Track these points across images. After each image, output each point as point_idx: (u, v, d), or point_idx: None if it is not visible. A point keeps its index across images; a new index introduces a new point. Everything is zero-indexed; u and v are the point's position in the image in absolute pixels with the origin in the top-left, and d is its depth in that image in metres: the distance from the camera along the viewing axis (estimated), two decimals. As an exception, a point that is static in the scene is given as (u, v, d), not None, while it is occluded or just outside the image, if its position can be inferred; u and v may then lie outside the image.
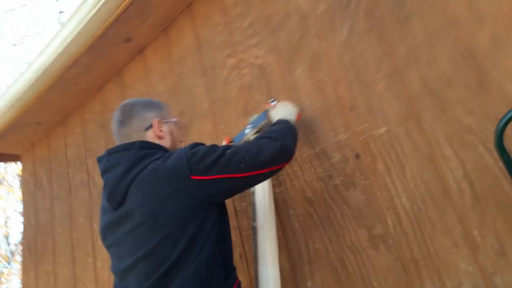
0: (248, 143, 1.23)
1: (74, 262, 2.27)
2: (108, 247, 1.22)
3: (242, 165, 1.13)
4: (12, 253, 11.15)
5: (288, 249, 1.48)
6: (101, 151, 2.33)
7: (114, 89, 2.35)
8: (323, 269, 1.38)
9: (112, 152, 1.22)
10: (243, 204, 1.65)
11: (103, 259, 2.11)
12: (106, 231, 1.21)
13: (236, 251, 1.62)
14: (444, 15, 1.23)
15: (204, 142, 1.85)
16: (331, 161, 1.43)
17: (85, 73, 2.28)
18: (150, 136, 1.27)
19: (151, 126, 1.28)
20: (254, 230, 1.42)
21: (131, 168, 1.14)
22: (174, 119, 1.38)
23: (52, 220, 2.52)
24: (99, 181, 2.29)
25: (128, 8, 1.94)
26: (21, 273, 2.66)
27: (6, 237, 12.37)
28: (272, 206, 1.45)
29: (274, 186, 1.57)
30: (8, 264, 11.59)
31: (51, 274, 2.39)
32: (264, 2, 1.73)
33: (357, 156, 1.36)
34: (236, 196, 1.66)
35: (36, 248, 2.56)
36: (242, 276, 1.57)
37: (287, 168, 1.54)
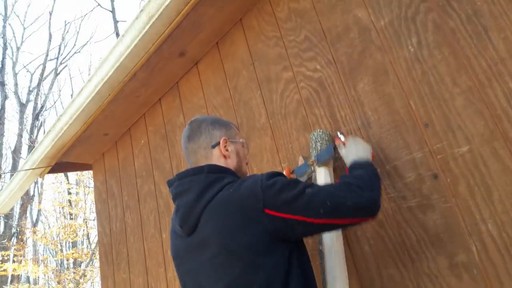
0: (332, 186, 1.10)
1: (147, 271, 2.32)
2: (183, 274, 1.18)
3: (321, 211, 1.01)
4: (93, 252, 12.00)
5: (359, 274, 1.38)
6: (166, 162, 2.35)
7: (172, 102, 2.34)
8: (400, 294, 1.28)
9: (182, 177, 1.18)
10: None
11: (173, 270, 2.13)
12: (181, 257, 1.17)
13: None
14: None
15: (264, 156, 1.80)
16: (404, 181, 1.30)
17: (143, 87, 2.28)
18: (216, 154, 1.22)
19: (218, 144, 1.23)
20: (321, 255, 1.33)
21: (202, 194, 1.09)
22: (240, 140, 1.31)
23: (125, 229, 2.59)
24: (165, 191, 2.31)
25: (181, 24, 1.89)
26: (101, 279, 2.78)
27: (87, 236, 13.29)
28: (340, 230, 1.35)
29: (340, 204, 1.47)
30: (91, 261, 12.48)
31: (127, 282, 2.46)
32: (319, 16, 1.60)
33: (435, 176, 1.22)
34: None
35: (112, 256, 2.66)
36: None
37: (354, 186, 1.43)
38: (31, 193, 15.35)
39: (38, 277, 13.69)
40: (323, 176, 1.40)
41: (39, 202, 15.43)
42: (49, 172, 3.13)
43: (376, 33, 1.41)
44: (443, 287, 1.17)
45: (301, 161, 1.55)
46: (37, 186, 15.98)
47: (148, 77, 2.19)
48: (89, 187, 13.42)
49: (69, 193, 14.14)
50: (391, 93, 1.35)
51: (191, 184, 1.14)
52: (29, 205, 14.72)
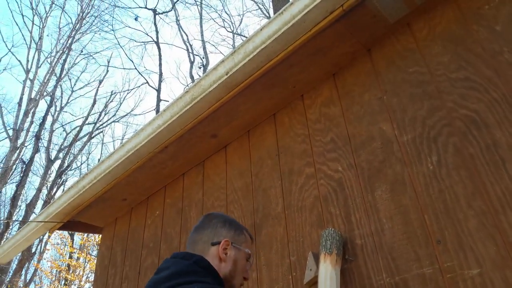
0: None
1: None
2: None
3: None
4: None
5: None
6: (176, 237, 2.34)
7: (195, 178, 2.42)
8: None
9: (173, 257, 1.12)
10: (309, 322, 1.50)
11: None
12: None
13: None
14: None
15: (274, 245, 1.79)
16: (411, 295, 1.26)
17: (171, 159, 2.38)
18: (212, 253, 1.13)
19: (218, 243, 1.14)
20: None
21: (172, 277, 1.01)
22: (246, 250, 1.19)
23: (118, 299, 2.50)
24: (168, 267, 2.26)
25: (219, 109, 2.04)
26: None
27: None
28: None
29: (344, 309, 1.42)
30: None
31: None
32: (347, 122, 1.73)
33: (443, 296, 1.19)
34: (302, 312, 1.52)
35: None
36: None
37: (360, 292, 1.39)
38: (33, 250, 15.07)
39: None
40: (326, 276, 1.38)
41: (38, 261, 15.03)
42: (60, 228, 3.14)
43: (398, 146, 1.49)
44: None
45: (310, 256, 1.54)
46: (41, 244, 15.73)
47: (178, 151, 2.30)
48: (91, 254, 13.10)
49: (70, 257, 13.80)
50: (407, 205, 1.38)
51: (171, 265, 1.07)
52: (27, 263, 14.34)
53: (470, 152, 1.30)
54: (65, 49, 15.49)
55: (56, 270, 13.44)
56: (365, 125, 1.64)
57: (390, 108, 1.58)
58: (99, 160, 15.11)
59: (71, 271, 13.17)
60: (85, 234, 13.20)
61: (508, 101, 1.27)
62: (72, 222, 3.06)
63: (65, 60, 15.61)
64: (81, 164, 16.62)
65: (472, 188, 1.25)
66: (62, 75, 15.57)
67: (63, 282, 13.29)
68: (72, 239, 13.96)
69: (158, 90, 13.46)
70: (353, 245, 1.47)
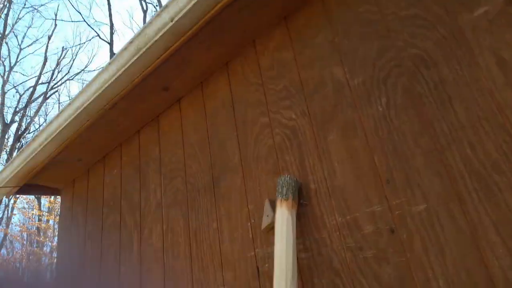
0: None
1: (98, 305, 2.19)
2: None
3: None
4: None
5: (313, 323, 1.33)
6: (135, 194, 2.30)
7: (151, 134, 2.33)
8: None
9: None
10: (266, 265, 1.53)
11: (126, 306, 2.02)
12: None
13: (258, 317, 1.48)
14: (489, 101, 1.14)
15: (233, 196, 1.78)
16: (362, 232, 1.29)
17: (123, 116, 2.27)
18: None
19: None
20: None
21: None
22: None
23: (83, 259, 2.47)
24: (130, 224, 2.23)
25: (168, 60, 1.93)
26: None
27: (51, 266, 12.58)
28: (295, 274, 1.31)
29: (300, 251, 1.45)
30: None
31: (76, 314, 2.31)
32: (299, 68, 1.67)
33: (392, 231, 1.22)
34: (260, 256, 1.55)
35: (68, 283, 2.51)
36: None
37: (315, 234, 1.42)
38: (-1, 216, 14.66)
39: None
40: (282, 220, 1.38)
41: (7, 226, 14.69)
42: (17, 193, 3.01)
43: (349, 90, 1.47)
44: None
45: (266, 203, 1.54)
46: (7, 210, 15.31)
47: (129, 107, 2.19)
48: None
49: (39, 220, 13.55)
50: (357, 148, 1.37)
51: None
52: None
53: (419, 91, 1.29)
54: (5, 2, 14.18)
55: (26, 234, 13.23)
56: (317, 69, 1.60)
57: (341, 51, 1.53)
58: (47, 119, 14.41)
59: (42, 234, 13.00)
60: (51, 196, 12.93)
61: (456, 37, 1.25)
62: (30, 186, 2.93)
63: (7, 15, 14.35)
64: (39, 126, 15.89)
65: (419, 127, 1.25)
66: (6, 32, 14.40)
67: (35, 245, 13.14)
68: (39, 202, 13.66)
69: (111, 43, 12.73)
70: (308, 189, 1.48)
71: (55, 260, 11.81)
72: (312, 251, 1.41)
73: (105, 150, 2.57)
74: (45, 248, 12.99)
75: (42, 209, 13.72)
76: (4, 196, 3.05)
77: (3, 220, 14.52)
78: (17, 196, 12.51)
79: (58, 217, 12.67)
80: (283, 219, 1.41)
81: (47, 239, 12.88)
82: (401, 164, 1.26)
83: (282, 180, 1.48)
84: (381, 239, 1.24)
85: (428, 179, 1.19)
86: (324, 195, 1.42)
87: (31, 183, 2.85)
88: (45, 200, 14.05)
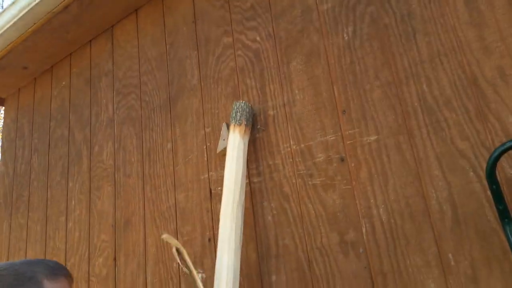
0: None
1: (46, 219, 2.16)
2: None
3: None
4: None
5: (257, 241, 1.40)
6: (86, 108, 2.19)
7: (104, 45, 2.17)
8: (290, 265, 1.31)
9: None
10: (219, 188, 1.55)
11: (75, 221, 2.01)
12: None
13: (206, 234, 1.53)
14: (451, 38, 1.14)
15: (189, 117, 1.74)
16: (314, 160, 1.32)
17: (74, 23, 2.08)
18: None
19: None
20: (221, 217, 1.33)
21: None
22: None
23: (29, 172, 2.38)
24: (79, 138, 2.15)
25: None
26: (-6, 220, 2.54)
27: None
28: (242, 196, 1.34)
29: (253, 175, 1.47)
30: None
31: (24, 228, 2.27)
32: (269, -16, 1.57)
33: (342, 160, 1.26)
34: (213, 178, 1.56)
35: (12, 199, 2.44)
36: (208, 260, 1.49)
37: (268, 159, 1.44)
38: None
39: None
40: (234, 145, 1.39)
41: None
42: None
43: (317, 15, 1.42)
44: (330, 261, 1.22)
45: (224, 127, 1.52)
46: None
47: (82, 13, 2.00)
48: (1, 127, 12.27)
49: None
50: (319, 76, 1.36)
51: None
52: None
53: (385, 22, 1.27)
54: None
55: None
56: (286, -10, 1.51)
57: (313, -27, 1.45)
58: None
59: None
60: (-5, 110, 12.17)
61: (429, -29, 1.22)
62: (-32, 93, 2.71)
63: None
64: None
65: (381, 59, 1.25)
66: None
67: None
68: (-19, 115, 12.84)
69: None
70: (266, 115, 1.47)
71: None
72: (265, 175, 1.44)
73: (54, 59, 2.38)
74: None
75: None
76: None
77: None
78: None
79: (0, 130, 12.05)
80: (235, 144, 1.41)
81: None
82: (359, 95, 1.27)
83: (236, 105, 1.46)
84: (330, 167, 1.28)
85: (382, 112, 1.21)
86: (282, 122, 1.42)
87: (-30, 90, 2.64)
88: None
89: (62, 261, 2.01)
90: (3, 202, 2.52)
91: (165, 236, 1.15)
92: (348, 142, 1.26)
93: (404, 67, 1.20)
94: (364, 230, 1.18)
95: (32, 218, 2.27)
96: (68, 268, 1.97)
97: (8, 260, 2.31)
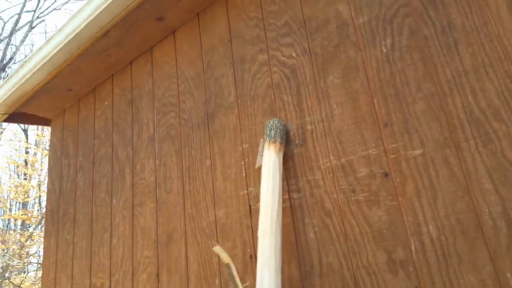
0: None
1: (91, 235, 2.23)
2: None
3: None
4: (43, 217, 11.50)
5: (299, 258, 1.37)
6: (128, 128, 2.26)
7: (144, 67, 2.25)
8: (335, 285, 1.28)
9: None
10: (258, 204, 1.55)
11: (119, 237, 2.06)
12: None
13: (247, 251, 1.52)
14: (496, 47, 1.10)
15: (227, 134, 1.75)
16: (356, 175, 1.30)
17: (116, 46, 2.17)
18: None
19: None
20: (260, 234, 1.33)
21: None
22: None
23: (75, 190, 2.48)
24: (122, 156, 2.22)
25: (164, -11, 1.81)
26: (44, 237, 2.65)
27: (39, 199, 12.74)
28: (280, 212, 1.33)
29: (292, 191, 1.46)
30: (39, 225, 11.96)
31: (70, 243, 2.36)
32: (302, 3, 1.58)
33: (386, 175, 1.23)
34: (253, 194, 1.56)
35: (58, 215, 2.54)
36: (250, 277, 1.48)
37: (308, 175, 1.42)
38: (-14, 146, 14.57)
39: (-19, 235, 13.00)
40: (269, 162, 1.38)
41: (-7, 157, 14.66)
42: (5, 121, 2.94)
43: (353, 29, 1.40)
44: (378, 280, 1.18)
45: (261, 143, 1.52)
46: (-7, 140, 15.18)
47: (122, 36, 2.08)
48: (47, 149, 12.86)
49: (27, 153, 13.49)
50: (358, 90, 1.34)
51: None
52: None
53: (425, 33, 1.24)
54: None
55: (14, 166, 13.22)
56: (321, 6, 1.51)
57: (348, -13, 1.44)
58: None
59: (29, 166, 13.01)
60: (39, 129, 12.80)
61: (470, -22, 1.18)
62: (18, 114, 2.86)
63: None
64: (25, 56, 15.28)
65: (423, 71, 1.22)
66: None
67: (22, 177, 13.19)
68: (26, 135, 13.53)
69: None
70: (304, 130, 1.46)
71: (42, 194, 11.96)
72: (305, 191, 1.42)
73: (96, 81, 2.49)
74: (33, 181, 13.08)
75: (28, 141, 13.62)
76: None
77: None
78: (3, 127, 12.35)
79: (45, 150, 12.65)
80: (270, 161, 1.41)
81: (35, 172, 12.93)
82: (401, 108, 1.23)
83: (270, 123, 1.47)
84: (374, 182, 1.25)
85: (427, 124, 1.17)
86: (320, 136, 1.41)
87: (20, 111, 2.79)
88: (32, 133, 13.92)
89: (106, 276, 2.06)
90: (50, 219, 2.62)
91: (216, 248, 1.16)
92: (391, 157, 1.23)
93: (447, 78, 1.16)
94: (413, 248, 1.14)
95: (78, 234, 2.35)
96: (113, 283, 2.02)
97: (56, 275, 2.40)
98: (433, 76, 1.20)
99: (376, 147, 1.26)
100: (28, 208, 12.86)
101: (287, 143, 1.48)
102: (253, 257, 1.50)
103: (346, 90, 1.37)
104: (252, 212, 1.55)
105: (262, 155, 1.51)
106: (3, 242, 11.59)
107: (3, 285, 11.26)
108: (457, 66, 1.16)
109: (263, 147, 1.50)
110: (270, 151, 1.42)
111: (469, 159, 1.08)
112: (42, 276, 2.54)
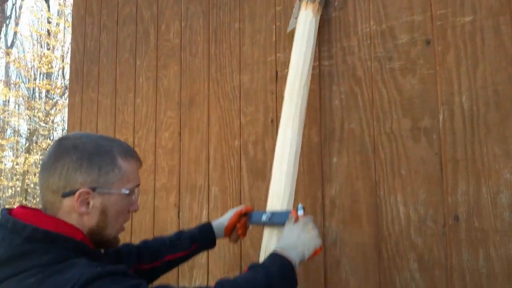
0: None
1: (115, 94, 2.25)
2: None
3: None
4: (67, 87, 11.66)
5: (321, 124, 1.37)
6: (152, -13, 2.12)
7: None
8: (353, 149, 1.29)
9: (2, 222, 0.81)
10: (286, 70, 1.50)
11: (142, 97, 2.08)
12: None
13: (269, 115, 1.53)
14: None
15: None
16: (395, 42, 1.22)
17: None
18: (66, 207, 0.83)
19: (71, 193, 0.82)
20: (286, 95, 1.31)
21: (2, 264, 0.76)
22: (122, 190, 0.87)
23: (99, 49, 2.44)
24: (146, 16, 2.13)
25: None
26: (69, 95, 2.70)
27: (63, 70, 12.79)
28: (309, 76, 1.29)
29: (323, 58, 1.40)
30: (63, 96, 12.20)
31: (94, 101, 2.40)
32: None
33: (428, 42, 1.15)
34: (281, 60, 1.51)
35: (83, 74, 2.54)
36: (269, 141, 1.50)
37: (343, 41, 1.35)
38: (8, 13, 14.32)
39: (8, 101, 13.50)
40: (305, 22, 1.30)
41: (16, 24, 14.48)
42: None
43: None
44: (398, 146, 1.19)
45: (296, 4, 1.42)
46: (15, 7, 14.85)
47: None
48: (69, 21, 12.59)
49: (49, 22, 13.25)
50: None
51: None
52: (4, 25, 13.82)
53: None
54: None
55: (37, 34, 13.12)
56: None
57: None
58: None
59: (52, 37, 12.90)
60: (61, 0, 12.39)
61: None
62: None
63: None
64: None
65: None
66: None
67: (45, 47, 13.18)
68: (48, 4, 13.15)
69: None
70: (345, -8, 1.34)
71: (66, 66, 12.04)
72: (337, 58, 1.36)
73: None
74: (56, 52, 13.06)
75: (50, 11, 13.29)
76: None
77: (11, 18, 14.25)
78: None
79: (68, 22, 12.38)
80: (306, 22, 1.33)
81: (58, 43, 12.84)
82: (460, -32, 1.10)
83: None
84: (413, 50, 1.18)
85: (486, -12, 1.06)
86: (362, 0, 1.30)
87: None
88: (54, 3, 13.52)
89: (130, 133, 2.15)
90: (74, 78, 2.65)
91: None
92: (437, 23, 1.13)
93: None
94: (441, 117, 1.11)
95: (102, 92, 2.38)
96: (136, 139, 2.10)
97: (81, 131, 2.50)
98: None
99: (423, 13, 1.16)
100: (52, 79, 13.10)
101: (325, 5, 1.38)
102: (275, 121, 1.51)
103: None
104: (278, 78, 1.52)
105: (296, 17, 1.42)
106: (29, 109, 12.08)
107: (31, 147, 12.05)
108: None
109: (299, 8, 1.40)
110: (308, 11, 1.33)
111: (525, 27, 0.99)
112: (68, 132, 2.67)
